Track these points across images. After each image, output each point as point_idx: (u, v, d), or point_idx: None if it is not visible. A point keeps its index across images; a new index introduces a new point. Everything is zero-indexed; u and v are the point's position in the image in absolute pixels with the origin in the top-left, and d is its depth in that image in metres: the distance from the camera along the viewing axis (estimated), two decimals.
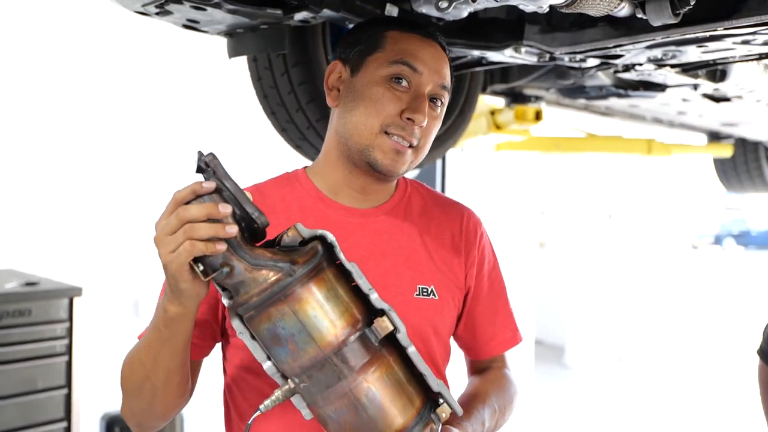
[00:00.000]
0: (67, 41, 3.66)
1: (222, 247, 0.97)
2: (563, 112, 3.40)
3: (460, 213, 1.47)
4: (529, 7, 1.24)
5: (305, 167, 1.43)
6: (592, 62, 1.87)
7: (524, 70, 2.36)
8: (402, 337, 1.04)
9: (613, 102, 2.92)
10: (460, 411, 1.07)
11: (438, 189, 4.93)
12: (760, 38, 1.54)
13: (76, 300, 3.01)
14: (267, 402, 1.03)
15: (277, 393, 1.03)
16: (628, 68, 1.96)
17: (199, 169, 1.00)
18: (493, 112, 3.44)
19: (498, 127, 3.45)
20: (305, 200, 1.35)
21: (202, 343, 1.29)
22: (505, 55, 1.82)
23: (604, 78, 2.18)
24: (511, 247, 5.60)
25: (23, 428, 2.84)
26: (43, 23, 3.58)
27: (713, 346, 8.41)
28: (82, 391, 3.00)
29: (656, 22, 1.27)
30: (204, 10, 1.42)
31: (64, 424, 2.94)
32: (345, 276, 1.05)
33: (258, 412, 1.04)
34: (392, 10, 1.56)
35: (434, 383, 1.06)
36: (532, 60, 1.84)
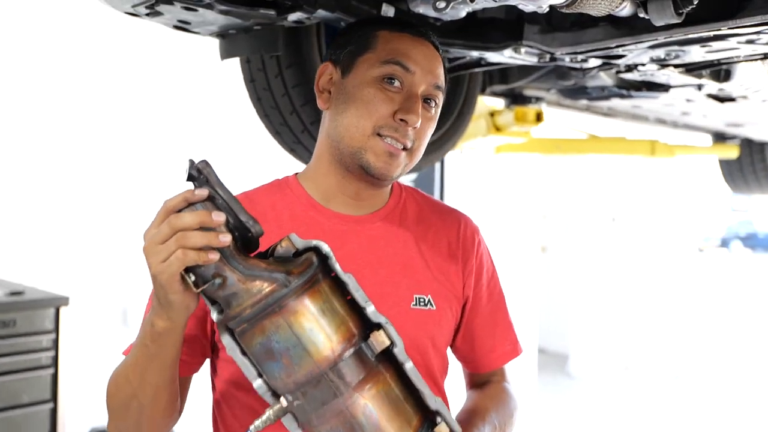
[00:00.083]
0: (56, 47, 3.66)
1: (215, 256, 0.97)
2: (564, 113, 3.41)
3: (457, 220, 1.47)
4: (528, 7, 1.25)
5: (296, 173, 1.43)
6: (594, 62, 1.88)
7: (524, 70, 2.37)
8: (399, 352, 1.04)
9: (616, 103, 2.93)
10: (458, 431, 1.07)
11: (437, 192, 4.94)
12: (765, 37, 1.55)
13: (62, 310, 3.00)
14: (257, 422, 1.01)
15: (269, 413, 1.02)
16: (630, 68, 1.97)
17: (190, 177, 1.00)
18: (492, 114, 3.45)
19: (498, 128, 3.46)
20: (296, 207, 1.35)
21: (191, 360, 1.28)
22: (505, 56, 1.83)
23: (606, 78, 2.19)
24: (512, 252, 5.61)
25: None
26: (30, 27, 3.58)
27: (723, 353, 8.41)
28: (68, 406, 2.99)
29: (659, 22, 1.28)
30: (195, 11, 1.42)
31: None
32: (340, 288, 1.05)
33: None
34: (388, 10, 1.58)
35: (432, 401, 1.05)
36: (532, 61, 1.85)
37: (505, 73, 2.50)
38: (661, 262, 8.19)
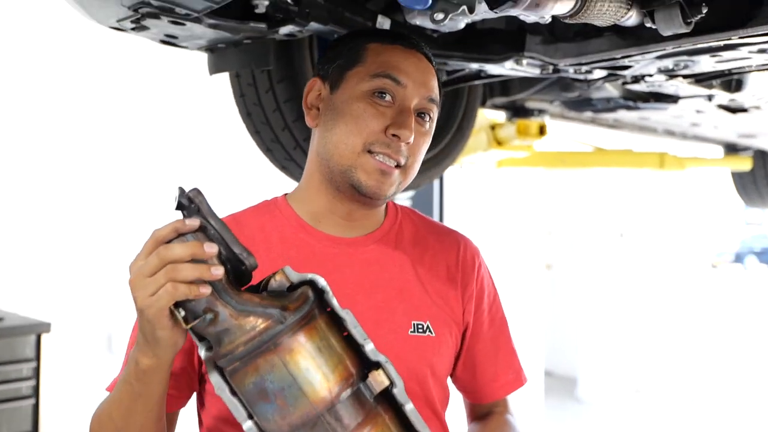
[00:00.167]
0: (34, 64, 3.67)
1: (206, 290, 0.96)
2: (568, 125, 3.42)
3: (456, 242, 1.46)
4: (530, 18, 1.25)
5: (285, 194, 1.42)
6: (599, 74, 1.89)
7: (526, 82, 2.38)
8: (399, 392, 1.03)
9: (622, 114, 2.94)
10: None
11: (436, 210, 4.94)
12: None
13: (43, 337, 3.00)
14: None
15: None
16: (637, 79, 1.97)
17: (180, 206, 0.99)
18: (493, 127, 3.46)
19: (499, 142, 3.47)
20: (286, 229, 1.34)
21: (178, 394, 1.26)
22: (506, 68, 1.83)
23: (611, 90, 2.19)
24: (515, 270, 5.60)
25: None
26: (17, 39, 3.59)
27: (740, 374, 8.39)
28: None
29: (666, 32, 1.29)
30: (183, 25, 1.42)
31: None
32: (336, 323, 1.04)
33: None
34: (384, 22, 1.58)
35: None
36: (534, 72, 1.85)
37: (506, 85, 2.51)
38: (672, 280, 8.18)
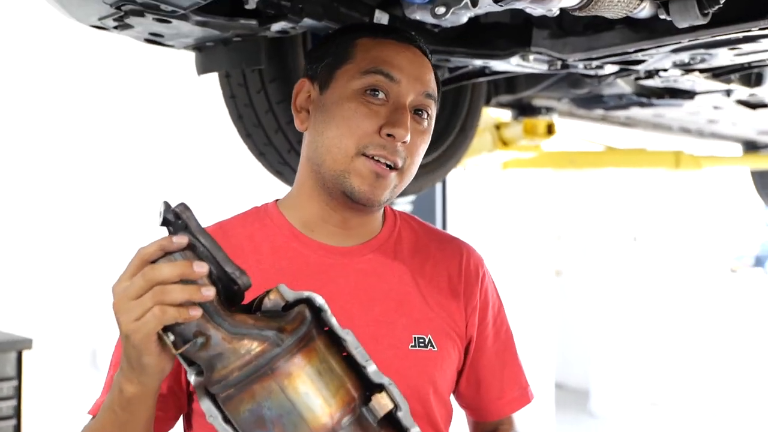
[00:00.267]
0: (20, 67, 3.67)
1: (197, 313, 0.94)
2: (578, 123, 3.42)
3: (458, 251, 1.45)
4: (537, 11, 1.24)
5: (276, 200, 1.41)
6: (610, 69, 1.89)
7: (533, 79, 2.38)
8: (404, 416, 1.02)
9: (635, 111, 2.94)
10: None
11: (438, 215, 4.93)
12: None
13: (25, 353, 2.99)
14: None
15: None
16: (651, 74, 1.97)
17: (166, 222, 0.97)
18: (498, 127, 3.46)
19: (505, 143, 3.47)
20: (277, 238, 1.33)
21: (165, 416, 1.25)
22: (512, 64, 1.83)
23: (623, 86, 2.20)
24: (523, 277, 5.60)
25: None
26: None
27: (762, 385, 8.38)
28: None
29: (682, 24, 1.28)
30: (169, 22, 1.42)
31: None
32: (336, 344, 1.03)
33: None
34: (382, 17, 1.58)
35: None
36: (541, 68, 1.85)
37: (511, 82, 2.51)
38: (689, 285, 8.17)
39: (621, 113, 3.10)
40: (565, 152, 4.22)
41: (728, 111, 2.69)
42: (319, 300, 1.03)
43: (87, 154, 3.91)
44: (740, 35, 1.51)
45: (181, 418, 1.33)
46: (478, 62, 1.86)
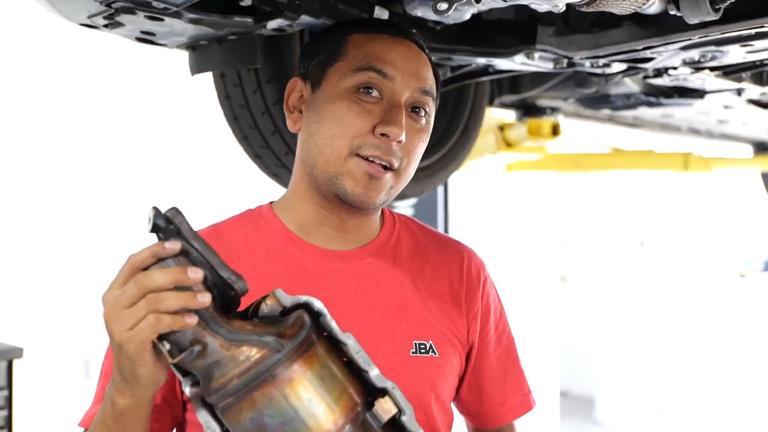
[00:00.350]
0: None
1: (193, 320, 0.93)
2: (584, 124, 3.42)
3: (459, 254, 1.45)
4: (542, 7, 1.24)
5: (271, 202, 1.41)
6: (618, 67, 1.88)
7: (538, 78, 2.38)
8: (408, 420, 1.02)
9: (643, 112, 2.94)
10: None
11: (440, 218, 4.93)
12: None
13: (15, 363, 2.99)
14: None
15: None
16: (660, 73, 1.97)
17: (156, 228, 0.96)
18: (502, 128, 3.46)
19: (508, 144, 3.47)
20: (273, 242, 1.33)
21: (160, 427, 1.24)
22: (516, 62, 1.82)
23: (631, 85, 2.19)
24: (527, 282, 5.60)
25: None
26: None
27: None
28: None
29: (693, 20, 1.28)
30: (161, 20, 1.41)
31: None
32: (336, 349, 1.03)
33: None
34: (381, 14, 1.57)
35: None
36: (547, 67, 1.84)
37: (516, 82, 2.51)
38: (697, 291, 8.17)
39: (628, 113, 3.10)
40: (570, 154, 4.23)
41: (739, 111, 2.69)
42: (318, 304, 1.02)
43: (79, 160, 3.91)
44: (753, 31, 1.50)
45: None
46: (482, 61, 1.85)
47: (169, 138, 4.17)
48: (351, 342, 1.01)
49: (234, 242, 1.31)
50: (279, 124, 1.95)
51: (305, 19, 1.49)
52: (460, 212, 5.11)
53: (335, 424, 0.96)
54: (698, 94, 2.25)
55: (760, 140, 4.07)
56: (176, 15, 1.38)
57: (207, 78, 1.96)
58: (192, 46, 1.68)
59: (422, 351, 1.30)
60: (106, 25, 1.46)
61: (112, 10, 1.35)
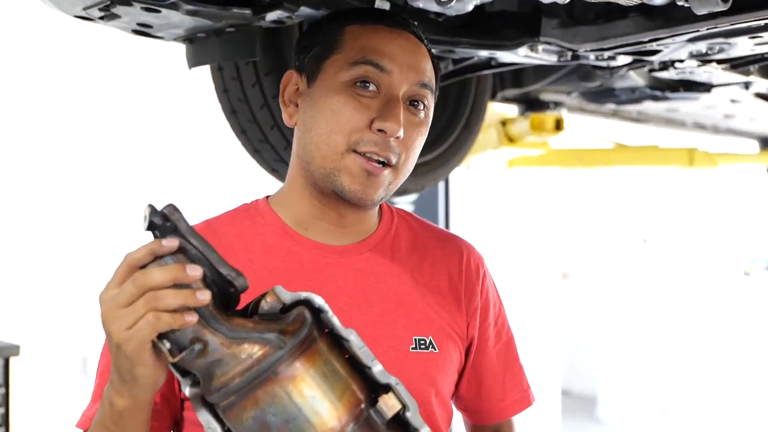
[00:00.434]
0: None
1: (193, 318, 0.92)
2: (588, 119, 3.41)
3: (458, 249, 1.44)
4: None
5: (267, 196, 1.40)
6: (623, 60, 1.87)
7: (541, 71, 2.38)
8: (413, 416, 1.01)
9: (648, 106, 2.94)
10: None
11: (441, 214, 4.92)
12: None
13: (12, 360, 2.99)
14: None
15: None
16: (666, 66, 1.95)
17: (152, 226, 0.95)
18: (504, 123, 3.46)
19: (511, 139, 3.47)
20: (269, 237, 1.32)
21: (160, 426, 1.23)
22: (519, 55, 1.81)
23: (636, 78, 2.18)
24: (529, 280, 5.60)
25: None
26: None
27: None
28: None
29: (701, 10, 1.27)
30: (158, 12, 1.41)
31: None
32: (338, 345, 1.02)
33: None
34: (383, 5, 1.56)
35: None
36: (550, 60, 1.83)
37: (518, 75, 2.51)
38: (701, 289, 8.17)
39: (633, 108, 3.10)
40: (573, 150, 4.23)
41: (746, 105, 2.69)
42: (319, 300, 1.01)
43: (76, 157, 3.92)
44: (762, 23, 1.48)
45: None
46: (484, 53, 1.84)
47: (167, 133, 4.17)
48: (353, 338, 1.01)
49: (229, 238, 1.30)
50: (278, 119, 1.95)
51: (305, 10, 1.48)
52: (462, 208, 5.11)
53: (339, 421, 0.96)
54: (705, 87, 2.24)
55: (767, 136, 4.06)
56: (173, 6, 1.38)
57: (205, 71, 1.95)
58: (189, 38, 1.68)
59: (422, 347, 1.30)
60: (102, 17, 1.46)
61: (108, 2, 1.35)
